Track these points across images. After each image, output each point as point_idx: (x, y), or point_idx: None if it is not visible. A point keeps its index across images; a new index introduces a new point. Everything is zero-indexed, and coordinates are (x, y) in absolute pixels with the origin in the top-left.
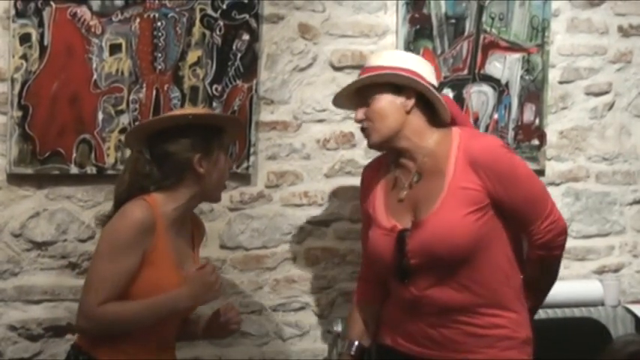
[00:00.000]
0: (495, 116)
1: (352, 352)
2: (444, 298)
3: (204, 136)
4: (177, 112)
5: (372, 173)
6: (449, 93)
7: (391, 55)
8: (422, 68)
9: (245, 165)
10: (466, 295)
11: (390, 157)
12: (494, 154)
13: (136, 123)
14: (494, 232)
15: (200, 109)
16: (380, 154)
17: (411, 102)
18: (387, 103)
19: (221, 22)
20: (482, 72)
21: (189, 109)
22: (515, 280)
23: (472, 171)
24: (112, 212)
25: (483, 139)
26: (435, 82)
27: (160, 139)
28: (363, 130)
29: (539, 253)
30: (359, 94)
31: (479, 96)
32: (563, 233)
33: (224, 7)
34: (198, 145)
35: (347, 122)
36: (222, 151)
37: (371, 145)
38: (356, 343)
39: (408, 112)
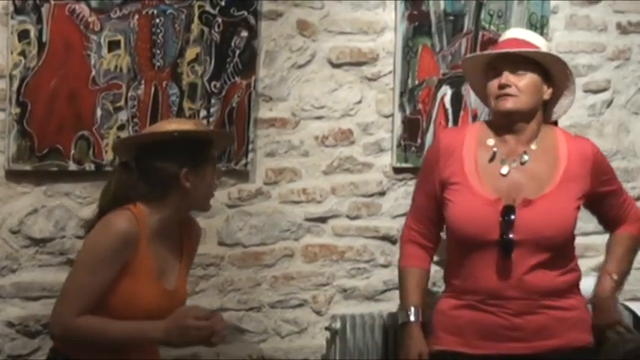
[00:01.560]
0: None
1: (419, 319)
2: (535, 281)
3: (190, 152)
4: (164, 126)
5: (454, 141)
6: (448, 90)
7: (536, 38)
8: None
9: (243, 162)
10: (554, 278)
11: (483, 129)
12: (601, 155)
13: (120, 136)
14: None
15: (187, 123)
16: (458, 126)
17: (550, 91)
18: (538, 82)
19: (219, 19)
20: None
21: (175, 123)
22: (577, 268)
23: (584, 165)
24: (96, 219)
25: (590, 142)
26: None
27: (146, 153)
28: (503, 94)
29: (631, 229)
30: (502, 61)
31: None
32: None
33: (222, 3)
34: (184, 161)
35: (345, 119)
36: (209, 165)
37: (507, 109)
38: (419, 309)
39: (544, 100)
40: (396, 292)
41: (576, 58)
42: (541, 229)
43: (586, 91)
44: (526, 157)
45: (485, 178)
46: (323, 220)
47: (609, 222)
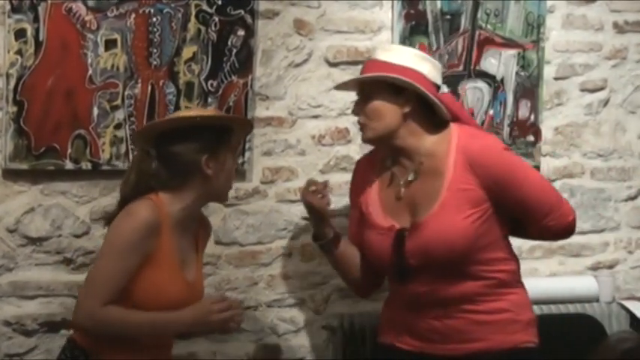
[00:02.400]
0: (490, 112)
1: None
2: (446, 292)
3: (211, 138)
4: (185, 113)
5: (365, 168)
6: (444, 89)
7: (397, 51)
8: (427, 68)
9: (240, 161)
10: (466, 285)
11: (387, 152)
12: (494, 156)
13: (146, 123)
14: (492, 228)
15: (208, 110)
16: (374, 149)
17: (409, 106)
18: (385, 103)
19: (216, 18)
20: (477, 68)
21: (195, 111)
22: (512, 263)
23: (470, 171)
24: (117, 211)
25: (482, 139)
26: (439, 80)
27: (167, 140)
28: (359, 123)
29: (542, 238)
30: (361, 86)
31: (474, 92)
32: (567, 232)
33: (219, 2)
34: (205, 147)
35: (342, 118)
36: (230, 151)
37: (365, 141)
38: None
39: (405, 114)
40: None
41: (573, 57)
42: (431, 251)
43: (582, 90)
44: (413, 176)
45: (385, 205)
46: None
47: (530, 236)
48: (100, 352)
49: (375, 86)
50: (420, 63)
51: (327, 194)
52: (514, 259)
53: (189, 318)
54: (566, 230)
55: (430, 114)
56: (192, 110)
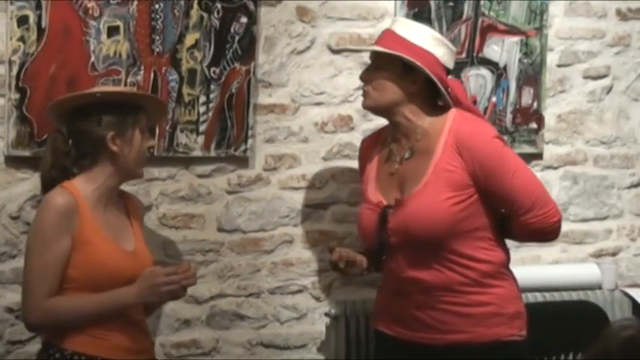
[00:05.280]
0: (493, 100)
1: None
2: (427, 278)
3: (117, 114)
4: (89, 89)
5: (369, 146)
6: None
7: (416, 29)
8: (441, 51)
9: (243, 148)
10: (448, 274)
11: (389, 130)
12: (483, 141)
13: (60, 97)
14: (475, 215)
15: (114, 87)
16: (379, 129)
17: (416, 86)
18: (392, 77)
19: (219, 5)
20: (480, 55)
21: (103, 87)
22: (498, 255)
23: (458, 154)
24: (41, 194)
25: (476, 125)
26: (452, 65)
27: (75, 117)
28: (363, 89)
29: (526, 238)
30: (374, 54)
31: (477, 79)
32: (549, 233)
33: None
34: (111, 123)
35: (345, 105)
36: (138, 129)
37: (364, 107)
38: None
39: (410, 93)
40: None
41: (576, 44)
42: (409, 229)
43: (585, 78)
44: (408, 153)
45: (379, 181)
46: (322, 206)
47: (508, 231)
48: (74, 344)
49: (387, 59)
50: (436, 45)
51: (345, 256)
52: (501, 250)
53: (134, 294)
54: (548, 231)
55: (434, 96)
56: (103, 87)
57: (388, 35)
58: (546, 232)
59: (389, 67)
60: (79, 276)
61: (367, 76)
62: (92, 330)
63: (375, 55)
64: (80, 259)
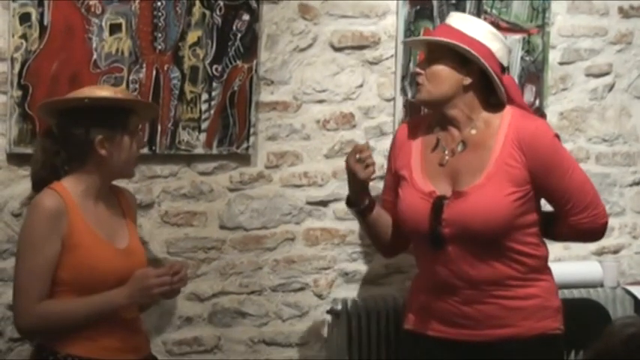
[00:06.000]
0: None
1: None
2: (477, 273)
3: (106, 118)
4: (79, 93)
5: (410, 131)
6: None
7: (472, 23)
8: (497, 46)
9: (245, 145)
10: (499, 268)
11: (435, 118)
12: (545, 139)
13: (49, 99)
14: (530, 212)
15: (105, 90)
16: (420, 115)
17: (470, 79)
18: (448, 70)
19: (221, 2)
20: None
21: (99, 89)
22: (543, 250)
23: (519, 150)
24: (33, 194)
25: (538, 123)
26: (506, 61)
27: (65, 118)
28: (417, 82)
29: (571, 237)
30: (429, 47)
31: None
32: (598, 233)
33: None
34: (100, 127)
35: (347, 103)
36: (127, 133)
37: (418, 101)
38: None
39: (465, 86)
40: (398, 276)
41: (578, 42)
42: (468, 222)
43: (588, 75)
44: (461, 146)
45: (427, 169)
46: (324, 203)
47: (552, 230)
48: (69, 347)
49: (442, 51)
50: (492, 40)
51: (373, 163)
52: (544, 245)
53: (125, 296)
54: (598, 231)
55: (488, 91)
56: (100, 89)
57: (443, 28)
58: (595, 232)
59: (444, 59)
60: (69, 278)
61: (422, 68)
62: (84, 332)
63: (430, 47)
64: (70, 261)
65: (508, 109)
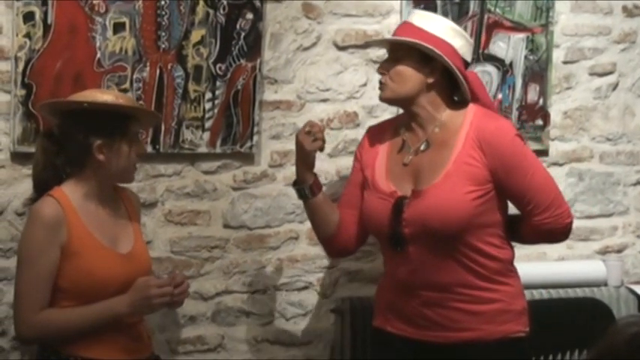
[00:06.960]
0: (499, 96)
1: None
2: (439, 275)
3: (106, 124)
4: (81, 95)
5: (377, 134)
6: None
7: (434, 20)
8: (459, 43)
9: (248, 144)
10: (460, 271)
11: (402, 119)
12: (504, 138)
13: (49, 100)
14: (491, 211)
15: (107, 95)
16: (389, 118)
17: (434, 77)
18: (410, 69)
19: (225, 1)
20: (486, 52)
21: (101, 93)
22: (506, 252)
23: (479, 149)
24: (34, 195)
25: (498, 121)
26: (469, 57)
27: (66, 120)
28: (380, 81)
29: (536, 239)
30: (391, 46)
31: (483, 76)
32: (561, 233)
33: None
34: (98, 133)
35: (351, 102)
36: (126, 140)
37: (381, 99)
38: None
39: (429, 84)
40: None
41: (582, 41)
42: (427, 221)
43: (591, 74)
44: (425, 145)
45: (390, 171)
46: None
47: (518, 232)
48: (73, 349)
49: (405, 50)
50: (454, 37)
51: (322, 138)
52: (509, 247)
53: (126, 305)
54: (562, 231)
55: (452, 89)
56: (100, 92)
57: (406, 27)
58: (558, 233)
59: (407, 57)
60: (69, 286)
61: (385, 68)
62: (87, 334)
63: (392, 47)
64: (70, 269)
65: (471, 107)
